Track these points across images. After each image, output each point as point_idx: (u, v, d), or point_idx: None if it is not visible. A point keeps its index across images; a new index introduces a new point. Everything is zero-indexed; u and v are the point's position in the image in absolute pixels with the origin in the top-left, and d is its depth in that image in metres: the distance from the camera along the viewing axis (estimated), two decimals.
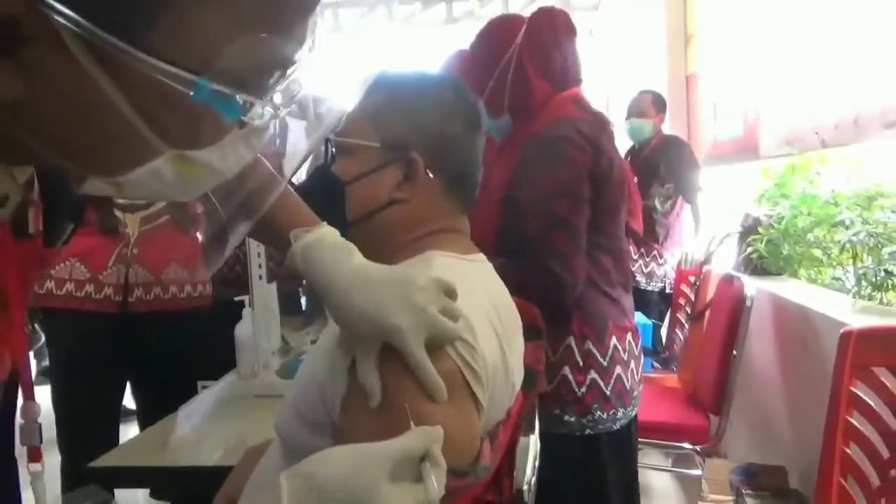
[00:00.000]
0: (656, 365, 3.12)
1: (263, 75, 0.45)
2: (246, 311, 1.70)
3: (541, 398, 1.21)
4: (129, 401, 2.16)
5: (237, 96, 0.43)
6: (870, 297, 1.80)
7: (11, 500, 1.80)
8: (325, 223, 0.81)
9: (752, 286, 2.18)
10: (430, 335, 0.68)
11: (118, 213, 1.84)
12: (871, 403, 1.30)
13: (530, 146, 1.43)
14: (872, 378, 1.31)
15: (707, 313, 2.57)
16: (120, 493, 1.49)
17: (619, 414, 1.45)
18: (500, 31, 1.52)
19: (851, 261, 1.99)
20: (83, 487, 1.15)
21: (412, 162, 0.87)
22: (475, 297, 0.78)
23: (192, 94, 0.40)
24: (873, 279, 1.76)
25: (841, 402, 1.30)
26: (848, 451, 1.30)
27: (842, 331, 1.34)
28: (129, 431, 2.52)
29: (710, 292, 2.59)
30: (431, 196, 0.89)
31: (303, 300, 2.48)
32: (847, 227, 1.88)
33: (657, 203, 3.46)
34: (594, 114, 1.49)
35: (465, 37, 1.66)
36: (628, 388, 1.45)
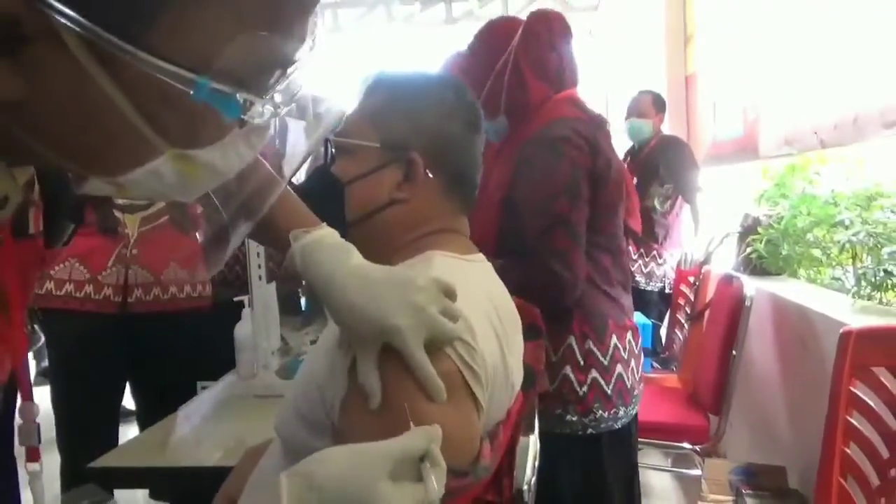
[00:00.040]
0: (656, 365, 3.12)
1: (263, 74, 0.45)
2: (245, 312, 1.70)
3: (542, 398, 1.21)
4: (128, 401, 2.16)
5: (237, 95, 0.43)
6: (869, 297, 1.79)
7: (11, 501, 1.80)
8: (324, 224, 0.81)
9: (752, 286, 2.18)
10: (429, 336, 0.68)
11: (118, 213, 1.84)
12: (871, 403, 1.30)
13: (528, 146, 1.43)
14: (872, 378, 1.31)
15: (706, 313, 2.57)
16: (119, 494, 1.49)
17: (621, 413, 1.45)
18: (497, 34, 1.52)
19: (851, 261, 1.99)
20: (81, 486, 1.15)
21: (412, 162, 0.87)
22: (475, 298, 0.78)
23: (192, 93, 0.40)
24: (873, 279, 1.76)
25: (840, 402, 1.30)
26: (848, 451, 1.30)
27: (841, 331, 1.34)
28: (129, 432, 2.51)
29: (710, 292, 2.59)
30: (431, 196, 0.89)
31: (302, 300, 2.48)
32: (846, 227, 1.88)
33: (657, 203, 3.46)
34: (591, 114, 1.50)
35: (464, 37, 1.66)
36: (629, 386, 1.46)
